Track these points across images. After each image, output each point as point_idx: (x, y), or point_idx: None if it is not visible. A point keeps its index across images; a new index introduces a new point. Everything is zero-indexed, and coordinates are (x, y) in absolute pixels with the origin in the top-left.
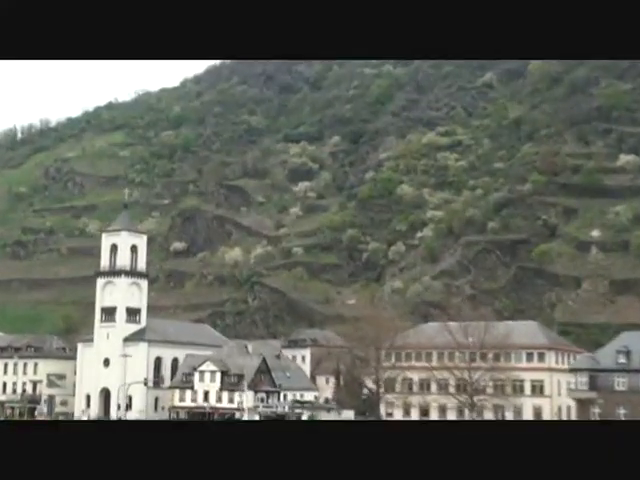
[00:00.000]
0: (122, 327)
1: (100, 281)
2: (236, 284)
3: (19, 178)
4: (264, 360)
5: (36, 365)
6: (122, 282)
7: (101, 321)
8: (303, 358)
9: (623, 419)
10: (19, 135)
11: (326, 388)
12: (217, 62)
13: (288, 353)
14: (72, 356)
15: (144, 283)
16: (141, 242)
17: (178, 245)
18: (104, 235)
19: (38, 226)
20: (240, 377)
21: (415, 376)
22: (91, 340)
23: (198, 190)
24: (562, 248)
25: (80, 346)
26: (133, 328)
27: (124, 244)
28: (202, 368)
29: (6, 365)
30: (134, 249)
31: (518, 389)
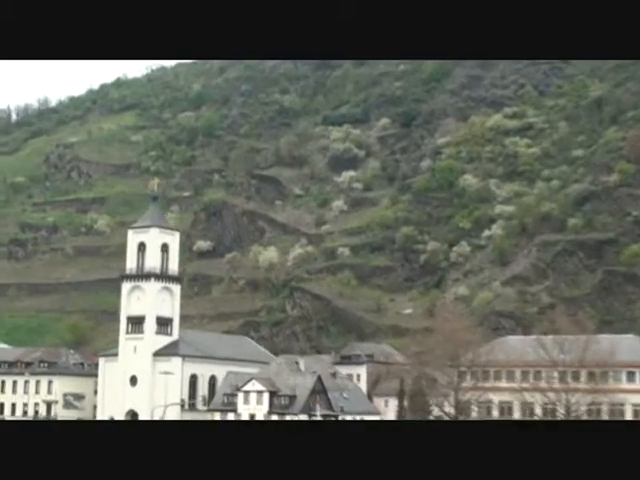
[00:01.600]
0: (152, 339)
1: (126, 285)
2: (272, 290)
3: (15, 166)
4: (319, 379)
5: (50, 383)
6: (152, 287)
7: (127, 332)
8: (358, 377)
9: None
10: (14, 117)
11: (385, 411)
12: None
13: (340, 371)
14: (92, 373)
15: (177, 288)
16: (173, 240)
17: (203, 244)
18: (130, 232)
19: (38, 222)
20: (292, 398)
21: (495, 398)
22: (115, 354)
23: (225, 181)
24: None
25: (102, 361)
26: (164, 341)
27: (154, 243)
28: (247, 388)
29: (15, 383)
30: (165, 248)
31: (617, 414)
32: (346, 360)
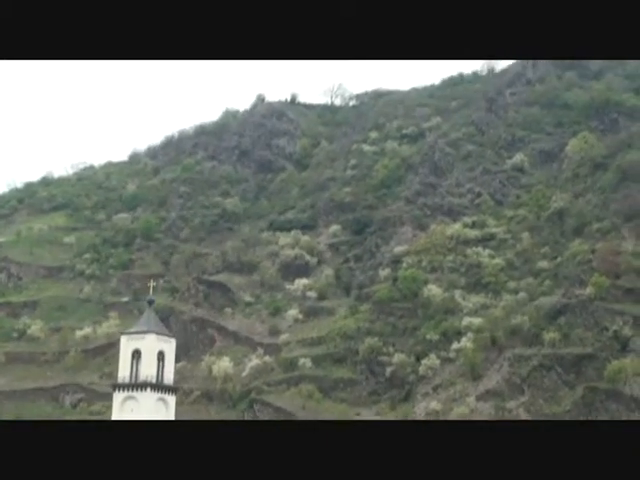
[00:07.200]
0: None
1: (118, 396)
2: (228, 402)
3: None
4: None
5: None
6: (147, 398)
7: None
8: None
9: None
10: None
11: None
12: (175, 133)
13: None
14: None
15: (172, 399)
16: (169, 348)
17: None
18: (124, 338)
19: None
20: None
21: None
22: None
23: (170, 286)
24: (638, 365)
25: None
26: None
27: (150, 350)
28: None
29: None
30: (161, 356)
31: None
32: None
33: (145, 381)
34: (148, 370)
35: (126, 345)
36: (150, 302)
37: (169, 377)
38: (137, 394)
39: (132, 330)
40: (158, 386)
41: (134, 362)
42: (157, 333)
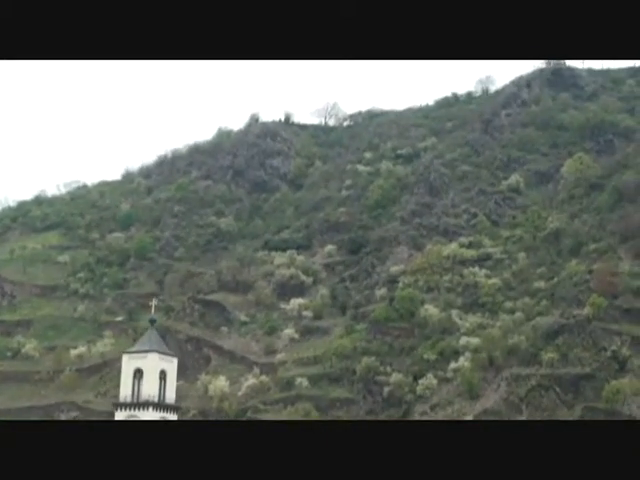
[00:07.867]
0: None
1: (120, 415)
2: None
3: None
4: None
5: None
6: (149, 417)
7: None
8: None
9: None
10: None
11: None
12: (169, 153)
13: None
14: None
15: (173, 419)
16: (171, 367)
17: None
18: (126, 357)
19: None
20: None
21: None
22: None
23: (165, 305)
24: (636, 385)
25: None
26: None
27: (152, 369)
28: None
29: None
30: (162, 375)
31: None
32: None
33: (147, 400)
34: (150, 389)
35: (128, 364)
36: (152, 321)
37: (171, 396)
38: (139, 413)
39: (134, 349)
40: (160, 405)
41: (136, 381)
42: (159, 352)
